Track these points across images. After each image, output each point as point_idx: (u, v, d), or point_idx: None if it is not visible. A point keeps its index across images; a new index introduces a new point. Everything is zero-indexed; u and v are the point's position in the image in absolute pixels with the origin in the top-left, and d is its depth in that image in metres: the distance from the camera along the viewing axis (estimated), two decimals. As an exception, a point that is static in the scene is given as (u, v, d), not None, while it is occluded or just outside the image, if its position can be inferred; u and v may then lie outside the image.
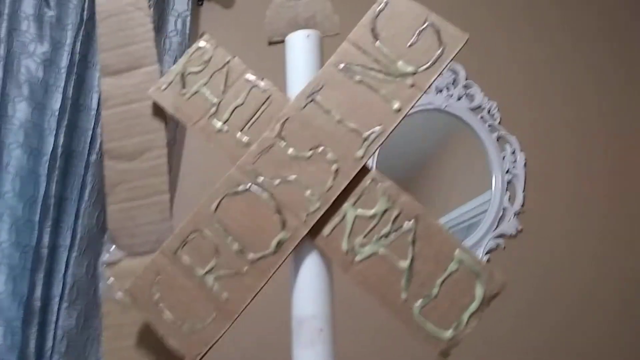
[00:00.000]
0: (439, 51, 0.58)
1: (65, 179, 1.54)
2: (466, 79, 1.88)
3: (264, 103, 0.62)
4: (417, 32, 0.59)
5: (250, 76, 0.63)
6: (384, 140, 0.58)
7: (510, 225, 1.81)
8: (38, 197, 1.54)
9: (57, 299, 1.48)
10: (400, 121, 0.58)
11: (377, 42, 0.60)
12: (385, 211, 0.57)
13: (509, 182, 1.85)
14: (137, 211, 0.64)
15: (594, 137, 1.97)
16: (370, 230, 0.57)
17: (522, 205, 1.84)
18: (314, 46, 0.63)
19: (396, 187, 0.58)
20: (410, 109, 0.58)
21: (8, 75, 1.56)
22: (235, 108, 0.62)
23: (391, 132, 0.58)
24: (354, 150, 0.58)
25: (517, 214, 1.83)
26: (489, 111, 1.88)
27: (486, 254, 1.78)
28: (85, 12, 1.58)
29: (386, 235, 0.57)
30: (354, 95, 0.59)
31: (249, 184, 0.59)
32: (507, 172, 1.85)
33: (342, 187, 0.57)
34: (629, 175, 1.96)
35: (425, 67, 0.58)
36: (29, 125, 1.55)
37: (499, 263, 1.78)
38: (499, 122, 1.88)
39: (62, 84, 1.59)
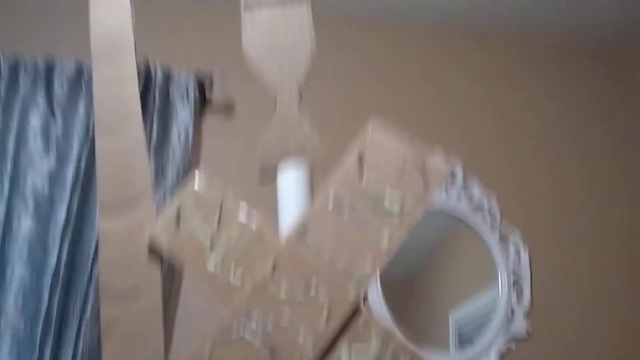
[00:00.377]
0: (424, 186, 0.60)
1: (68, 293, 1.54)
2: (464, 179, 1.89)
3: (256, 243, 0.62)
4: (402, 166, 0.61)
5: (242, 216, 0.64)
6: (373, 279, 0.58)
7: (519, 326, 1.77)
8: (40, 313, 1.52)
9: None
10: (389, 259, 0.59)
11: (364, 179, 0.61)
12: (379, 352, 0.57)
13: (515, 282, 1.83)
14: (131, 354, 0.63)
15: (603, 228, 1.96)
16: (366, 374, 0.56)
17: (530, 304, 1.80)
18: (303, 174, 0.66)
19: (388, 330, 0.58)
20: (398, 247, 0.58)
21: (14, 190, 1.59)
22: (229, 249, 0.63)
23: (380, 270, 0.58)
24: (345, 292, 0.58)
25: (525, 313, 1.79)
26: (489, 210, 1.88)
27: (499, 357, 1.73)
28: (90, 125, 1.63)
29: (382, 379, 0.56)
30: (343, 235, 0.60)
31: (242, 330, 0.59)
32: (513, 271, 1.83)
33: (336, 332, 0.57)
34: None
35: (411, 204, 0.60)
36: (33, 240, 1.57)
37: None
38: (500, 220, 1.88)
39: (67, 198, 1.61)
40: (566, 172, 2.02)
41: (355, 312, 0.58)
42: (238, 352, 0.58)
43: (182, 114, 1.76)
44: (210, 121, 1.84)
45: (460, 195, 1.88)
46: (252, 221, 0.64)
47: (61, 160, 1.66)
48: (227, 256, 0.62)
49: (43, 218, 1.59)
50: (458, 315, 1.79)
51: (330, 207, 0.61)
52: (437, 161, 0.63)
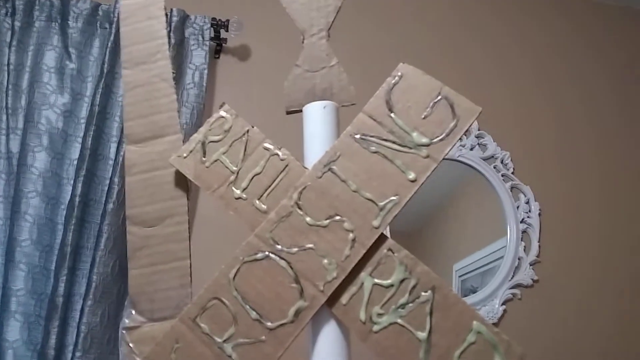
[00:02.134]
0: (453, 123, 0.60)
1: (82, 227, 1.56)
2: (478, 129, 1.90)
3: (282, 171, 0.63)
4: (431, 104, 0.61)
5: (268, 145, 0.65)
6: (400, 210, 0.59)
7: (525, 275, 1.81)
8: (55, 246, 1.56)
9: (71, 348, 1.48)
10: (416, 191, 0.59)
11: (392, 114, 0.61)
12: (402, 281, 0.58)
13: (523, 232, 1.85)
14: (157, 276, 0.65)
15: (612, 186, 1.97)
16: (388, 300, 0.58)
17: (538, 255, 1.83)
18: (330, 117, 0.65)
19: (412, 257, 0.59)
20: (426, 179, 0.59)
21: (28, 125, 1.60)
22: (254, 176, 0.64)
23: (407, 202, 0.59)
24: (370, 219, 0.59)
25: (532, 264, 1.82)
26: (502, 161, 1.90)
27: (502, 304, 1.76)
28: (105, 65, 1.63)
29: (403, 306, 0.57)
30: (370, 165, 0.61)
31: (267, 251, 0.60)
32: (522, 221, 1.85)
33: (359, 257, 0.58)
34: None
35: (439, 138, 0.60)
36: (47, 175, 1.58)
37: (515, 313, 1.76)
38: (513, 172, 1.89)
39: (81, 134, 1.63)
40: (586, 130, 2.02)
41: (380, 239, 0.59)
42: (264, 270, 0.59)
43: (197, 56, 1.74)
44: (225, 66, 1.84)
45: (473, 144, 1.89)
46: (277, 151, 0.65)
47: (75, 98, 1.66)
48: (254, 183, 0.64)
49: (57, 153, 1.61)
50: (461, 265, 1.82)
51: (358, 137, 0.62)
52: (467, 100, 0.63)
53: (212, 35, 1.78)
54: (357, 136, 0.62)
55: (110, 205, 1.54)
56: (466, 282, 1.82)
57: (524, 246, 1.83)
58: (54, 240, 1.57)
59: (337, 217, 0.60)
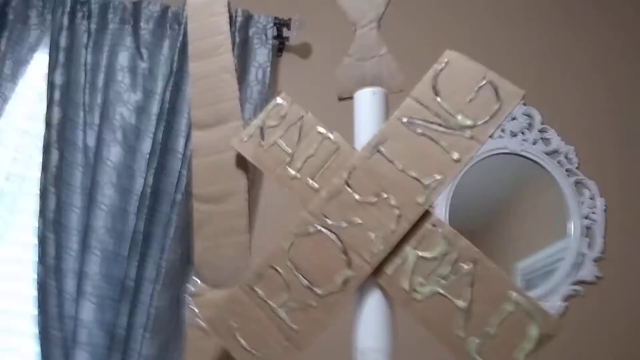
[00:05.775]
0: (497, 106, 0.63)
1: (153, 216, 1.65)
2: (542, 124, 1.88)
3: (333, 153, 0.68)
4: (476, 88, 0.64)
5: (321, 129, 0.70)
6: (444, 188, 0.63)
7: (588, 272, 1.77)
8: (127, 233, 1.65)
9: (140, 329, 1.57)
10: (460, 170, 0.62)
11: (438, 98, 0.65)
12: (445, 254, 0.61)
13: (587, 228, 1.81)
14: (219, 249, 0.71)
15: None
16: (431, 271, 0.61)
17: (602, 252, 1.79)
18: (379, 102, 0.69)
19: (455, 232, 0.62)
20: (470, 159, 0.62)
21: (104, 121, 1.71)
22: (308, 158, 0.69)
23: (451, 181, 0.63)
24: (415, 196, 0.63)
25: (596, 260, 1.79)
26: (566, 156, 1.87)
27: (564, 301, 1.74)
28: (174, 64, 1.72)
29: (445, 277, 0.61)
30: (416, 147, 0.64)
31: (319, 226, 0.65)
32: (586, 217, 1.82)
33: (405, 231, 0.62)
34: None
35: (483, 120, 0.63)
36: (121, 167, 1.68)
37: (578, 310, 1.74)
38: (577, 167, 1.86)
39: (153, 129, 1.72)
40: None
41: (424, 215, 0.63)
42: (315, 243, 0.64)
43: (260, 54, 1.81)
44: (287, 63, 1.89)
45: (536, 138, 1.87)
46: (329, 135, 0.70)
47: (147, 95, 1.76)
48: (307, 163, 0.68)
49: (130, 147, 1.70)
50: (526, 264, 1.81)
51: (405, 120, 0.65)
52: (511, 84, 0.65)
53: (275, 34, 1.84)
54: (404, 120, 0.65)
55: (179, 196, 1.62)
56: (530, 283, 1.80)
57: (588, 242, 1.80)
58: (126, 228, 1.66)
59: (384, 195, 0.64)
